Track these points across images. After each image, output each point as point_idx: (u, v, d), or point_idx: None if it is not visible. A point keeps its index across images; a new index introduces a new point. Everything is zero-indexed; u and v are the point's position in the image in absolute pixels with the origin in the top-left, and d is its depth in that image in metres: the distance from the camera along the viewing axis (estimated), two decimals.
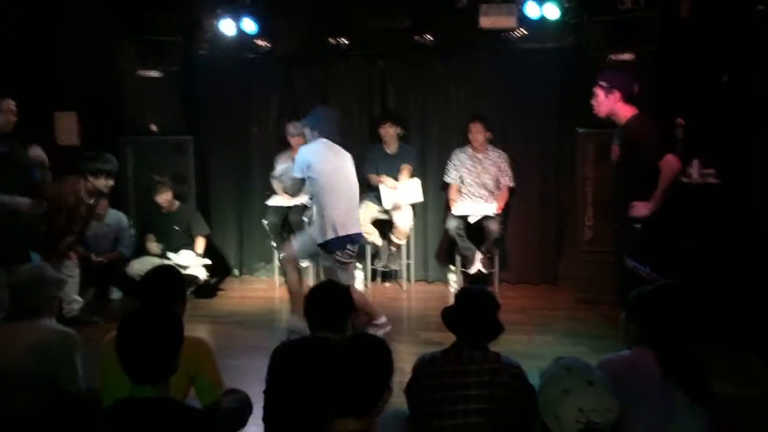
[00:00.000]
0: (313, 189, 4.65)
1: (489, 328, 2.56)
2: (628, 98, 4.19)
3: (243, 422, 2.93)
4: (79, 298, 5.34)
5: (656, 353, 2.23)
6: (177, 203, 6.10)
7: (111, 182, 5.28)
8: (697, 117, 5.15)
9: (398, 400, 2.46)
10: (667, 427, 2.14)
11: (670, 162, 4.01)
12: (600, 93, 4.22)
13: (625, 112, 4.19)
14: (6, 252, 4.27)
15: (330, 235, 4.56)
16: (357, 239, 4.73)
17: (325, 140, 4.70)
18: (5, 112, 4.37)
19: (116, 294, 6.03)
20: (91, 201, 5.23)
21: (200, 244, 6.09)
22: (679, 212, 4.68)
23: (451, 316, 2.61)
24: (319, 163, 4.58)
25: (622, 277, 4.31)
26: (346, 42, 6.24)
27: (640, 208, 4.07)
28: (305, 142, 4.88)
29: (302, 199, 6.12)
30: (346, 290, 2.80)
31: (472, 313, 2.55)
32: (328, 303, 2.67)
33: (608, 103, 4.20)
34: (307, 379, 2.24)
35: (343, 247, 4.60)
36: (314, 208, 4.71)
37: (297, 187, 4.82)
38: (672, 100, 5.28)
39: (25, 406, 2.64)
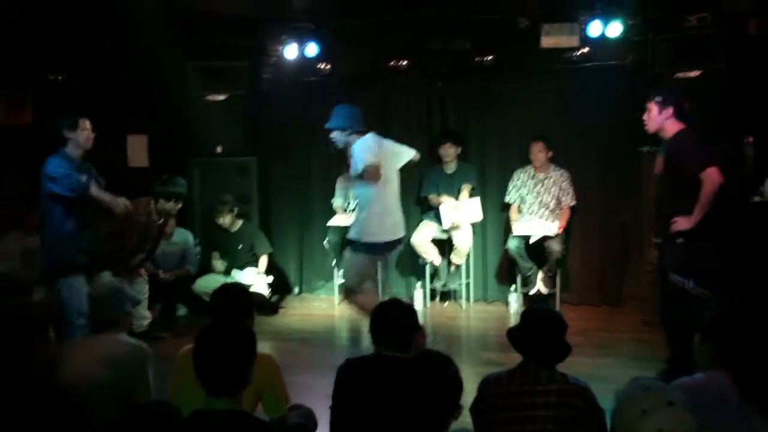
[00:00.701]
0: (362, 188, 4.57)
1: (556, 348, 2.53)
2: (679, 115, 4.15)
3: None
4: (148, 314, 5.52)
5: (733, 377, 2.17)
6: (240, 222, 6.25)
7: (179, 206, 5.44)
8: None
9: (462, 419, 2.46)
10: None
11: (711, 174, 3.93)
12: (654, 108, 4.19)
13: (673, 127, 4.17)
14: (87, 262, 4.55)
15: (363, 239, 4.58)
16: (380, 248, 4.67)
17: (369, 135, 4.60)
18: (87, 130, 4.60)
19: (182, 310, 6.19)
20: (161, 221, 5.41)
21: (263, 262, 6.21)
22: (750, 231, 4.55)
23: (517, 336, 2.59)
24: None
25: (667, 293, 4.25)
26: (406, 63, 6.31)
27: (682, 223, 4.02)
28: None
29: None
30: (412, 309, 2.82)
31: (540, 333, 2.53)
32: (395, 321, 2.69)
33: (660, 118, 4.18)
34: (375, 396, 2.26)
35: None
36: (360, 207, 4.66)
37: (376, 173, 4.43)
38: (740, 117, 5.15)
39: (100, 418, 2.73)
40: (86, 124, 4.60)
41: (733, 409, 2.12)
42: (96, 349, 2.89)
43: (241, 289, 3.04)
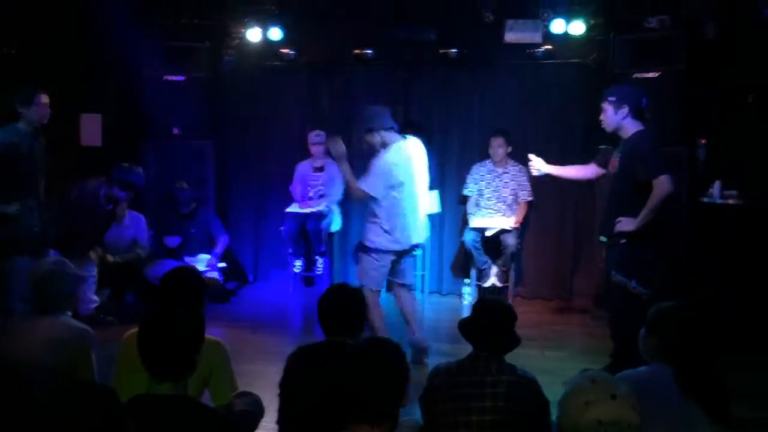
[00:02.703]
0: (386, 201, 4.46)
1: (506, 339, 2.55)
2: (636, 113, 4.11)
3: (255, 425, 2.93)
4: (95, 297, 5.39)
5: (674, 370, 2.21)
6: (195, 206, 6.13)
7: (133, 195, 5.35)
8: (721, 137, 5.14)
9: (411, 409, 2.46)
10: None
11: (663, 182, 3.89)
12: (608, 108, 4.12)
13: (631, 127, 4.12)
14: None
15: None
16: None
17: (395, 141, 4.49)
18: (40, 106, 4.47)
19: (131, 296, 6.05)
20: (111, 208, 5.30)
21: (218, 247, 6.12)
22: (698, 231, 4.65)
23: (468, 327, 2.60)
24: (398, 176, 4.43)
25: (610, 292, 4.29)
26: (371, 53, 6.27)
27: (626, 224, 4.01)
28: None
29: (320, 207, 6.16)
30: (360, 293, 2.79)
31: (490, 324, 2.54)
32: (343, 307, 2.66)
33: (616, 118, 4.11)
34: (323, 384, 2.23)
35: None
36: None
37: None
38: (696, 119, 5.26)
39: (40, 398, 2.65)
40: (42, 99, 4.51)
41: (674, 403, 2.16)
42: (38, 331, 2.82)
43: (193, 272, 2.97)
